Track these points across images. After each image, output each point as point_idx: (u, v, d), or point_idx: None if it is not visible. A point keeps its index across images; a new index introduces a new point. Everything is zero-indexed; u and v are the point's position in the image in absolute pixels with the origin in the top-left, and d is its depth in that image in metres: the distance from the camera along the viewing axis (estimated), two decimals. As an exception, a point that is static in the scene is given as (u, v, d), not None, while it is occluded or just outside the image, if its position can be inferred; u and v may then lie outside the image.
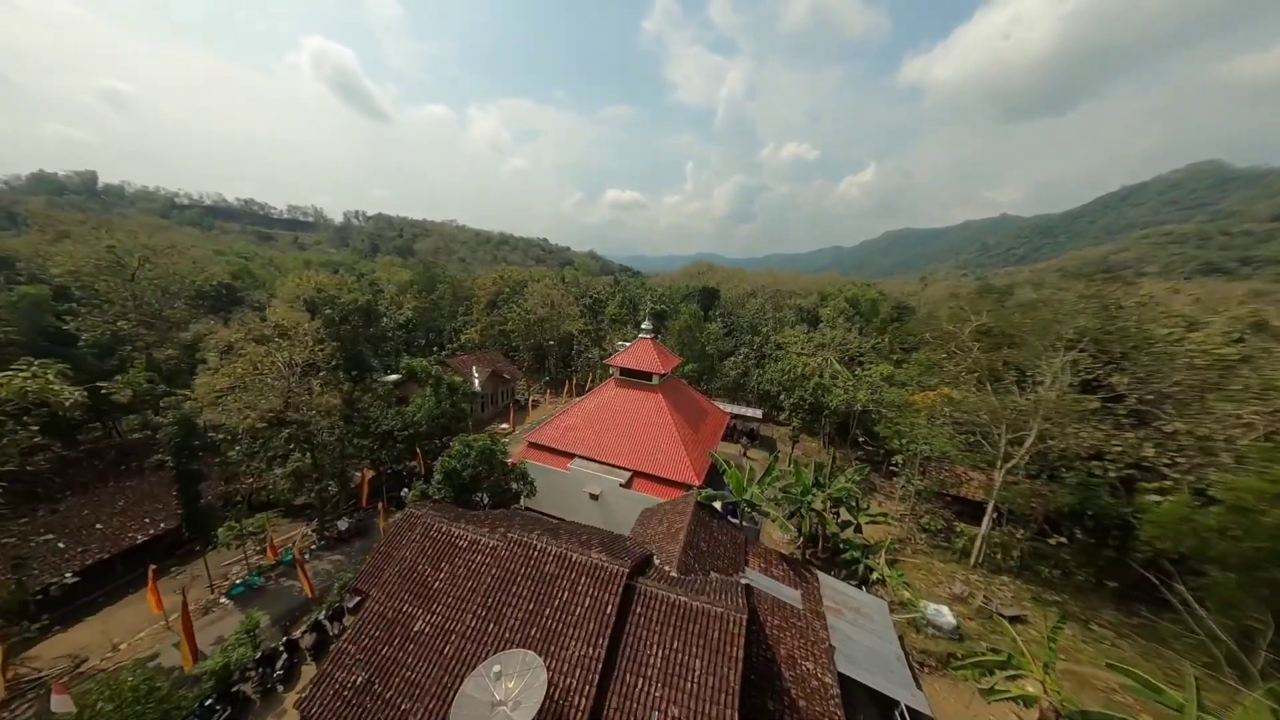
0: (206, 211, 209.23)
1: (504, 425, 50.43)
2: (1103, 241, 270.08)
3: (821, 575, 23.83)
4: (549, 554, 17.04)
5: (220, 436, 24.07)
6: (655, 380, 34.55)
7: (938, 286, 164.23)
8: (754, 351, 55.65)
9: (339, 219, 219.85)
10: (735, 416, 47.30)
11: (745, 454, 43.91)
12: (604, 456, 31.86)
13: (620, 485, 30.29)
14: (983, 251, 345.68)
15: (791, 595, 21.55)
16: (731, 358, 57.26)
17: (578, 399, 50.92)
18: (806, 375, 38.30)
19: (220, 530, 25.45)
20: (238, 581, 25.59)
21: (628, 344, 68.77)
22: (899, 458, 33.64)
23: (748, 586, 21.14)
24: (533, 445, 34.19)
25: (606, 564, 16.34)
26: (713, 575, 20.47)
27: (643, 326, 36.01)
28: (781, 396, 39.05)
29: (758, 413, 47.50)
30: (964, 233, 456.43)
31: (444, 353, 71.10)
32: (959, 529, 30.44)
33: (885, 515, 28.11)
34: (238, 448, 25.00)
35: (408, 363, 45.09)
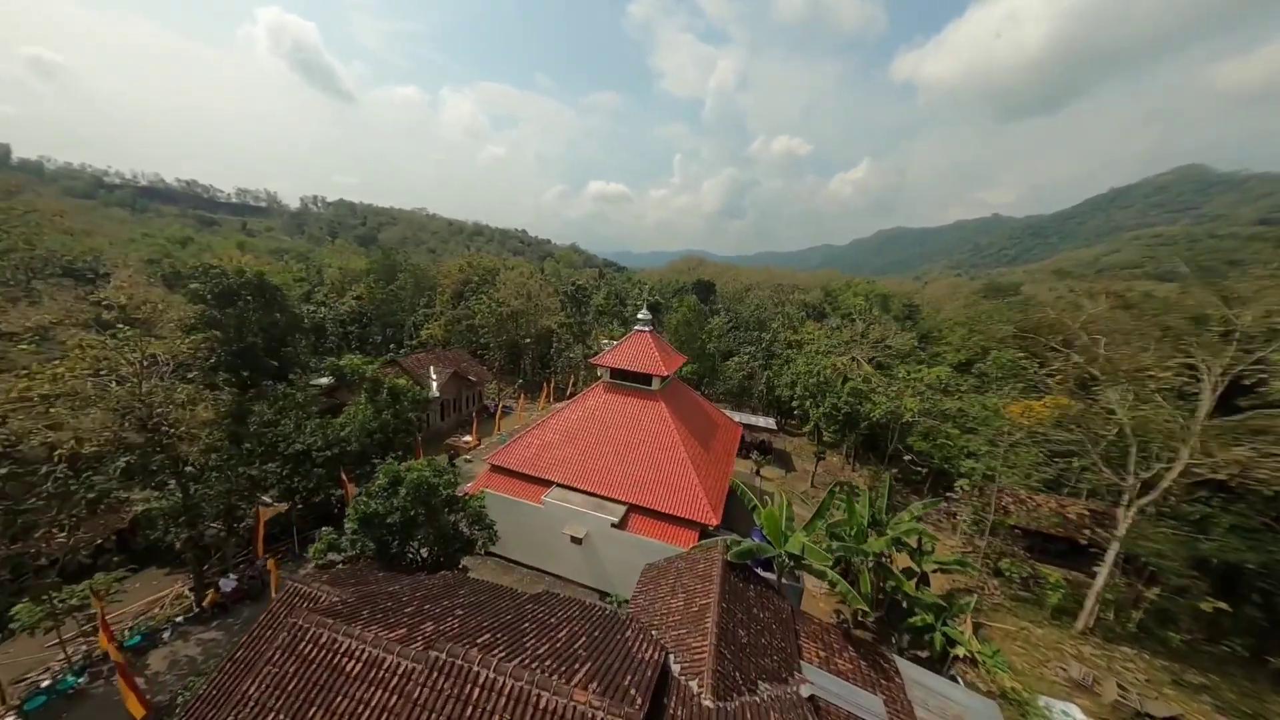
0: (141, 192, 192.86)
1: (467, 438, 42.86)
2: (1094, 243, 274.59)
3: (902, 664, 17.37)
4: (500, 691, 9.98)
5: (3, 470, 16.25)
6: (656, 385, 27.77)
7: (937, 285, 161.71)
8: (761, 350, 49.41)
9: (295, 204, 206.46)
10: (745, 427, 40.92)
11: (758, 472, 37.44)
12: (590, 485, 24.83)
13: (612, 525, 23.31)
14: (975, 251, 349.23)
15: (872, 706, 15.05)
16: (734, 358, 51.00)
17: (557, 406, 44.16)
18: (836, 379, 31.99)
19: (20, 609, 17.54)
20: (43, 684, 17.71)
21: (615, 341, 62.09)
22: (962, 483, 27.57)
23: (813, 701, 14.39)
24: (496, 469, 26.94)
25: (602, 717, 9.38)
26: (761, 689, 13.75)
27: (640, 316, 29.18)
28: (807, 404, 32.72)
29: (770, 422, 41.19)
30: (957, 232, 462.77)
31: (401, 350, 62.97)
32: (1048, 577, 24.41)
33: (962, 561, 21.80)
34: (47, 486, 17.20)
35: (332, 361, 37.13)
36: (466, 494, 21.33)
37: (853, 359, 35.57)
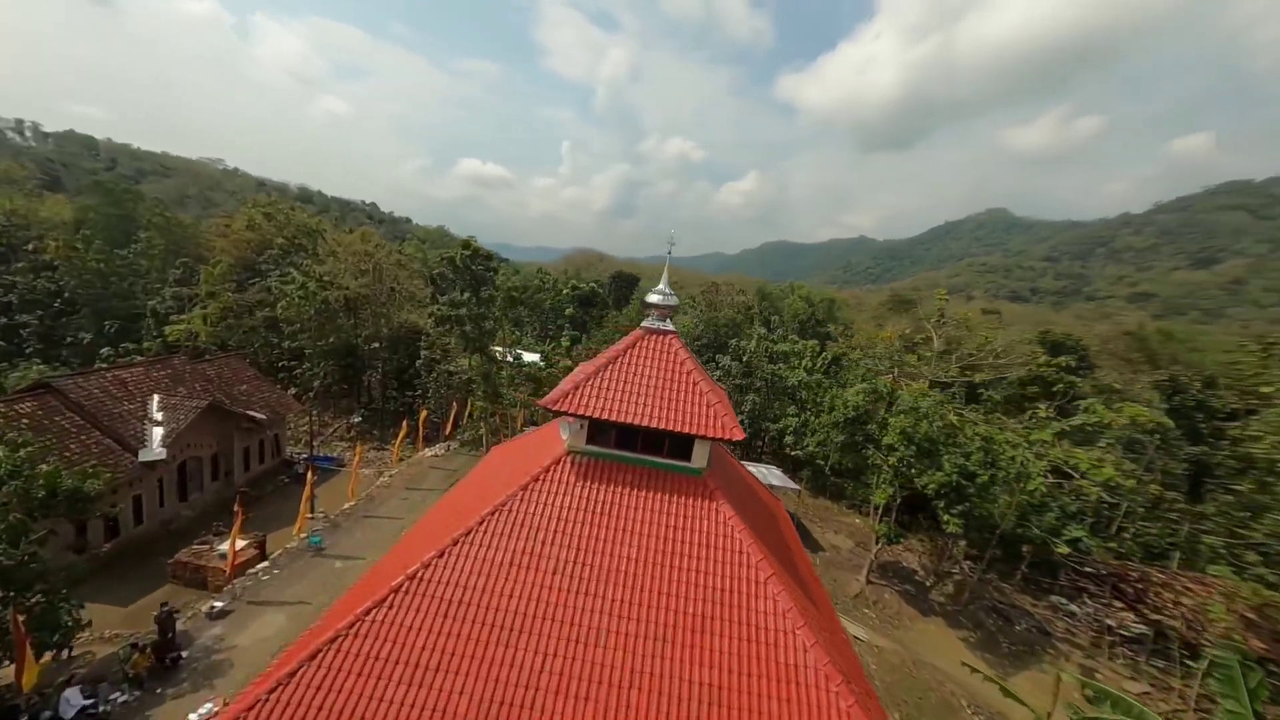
0: None
1: (223, 547, 21.67)
2: (938, 268, 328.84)
3: None
4: None
5: None
6: (701, 459, 12.46)
7: (838, 295, 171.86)
8: (742, 365, 36.92)
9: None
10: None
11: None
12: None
13: None
14: (846, 269, 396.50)
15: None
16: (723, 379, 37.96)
17: (431, 455, 27.35)
18: (964, 426, 19.70)
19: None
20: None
21: (534, 355, 44.11)
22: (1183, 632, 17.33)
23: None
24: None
25: None
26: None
27: (650, 300, 13.56)
28: (886, 464, 20.19)
29: (789, 482, 28.33)
30: (830, 250, 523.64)
31: (117, 357, 37.41)
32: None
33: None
34: None
35: None
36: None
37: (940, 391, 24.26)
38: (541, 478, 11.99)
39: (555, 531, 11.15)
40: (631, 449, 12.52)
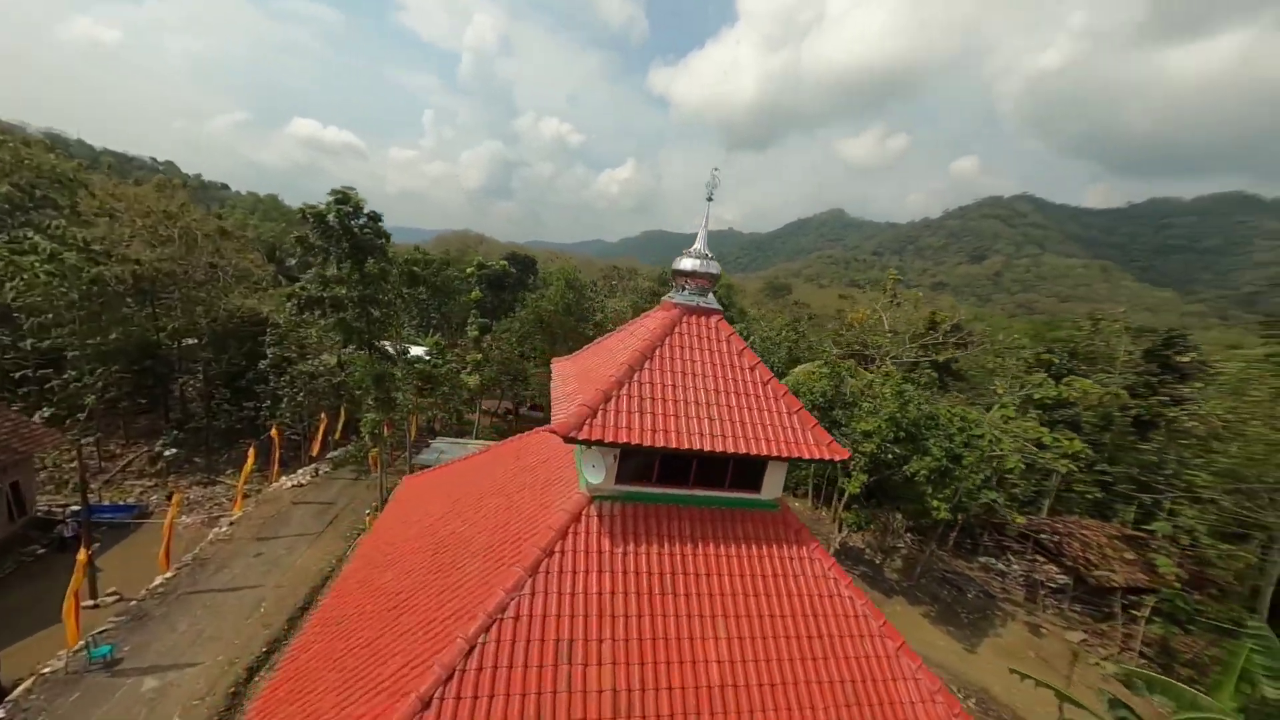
0: None
1: None
2: (794, 259, 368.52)
3: None
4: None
5: None
6: (770, 496, 8.91)
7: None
8: None
9: None
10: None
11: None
12: None
13: None
14: (719, 258, 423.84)
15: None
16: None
17: (280, 490, 21.06)
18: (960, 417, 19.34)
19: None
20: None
21: (420, 348, 36.07)
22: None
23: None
24: None
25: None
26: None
27: (684, 267, 9.60)
28: (860, 451, 19.14)
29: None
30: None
31: None
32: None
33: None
34: None
35: None
36: None
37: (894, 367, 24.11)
38: (558, 548, 7.44)
39: (594, 640, 6.81)
40: (682, 484, 8.58)
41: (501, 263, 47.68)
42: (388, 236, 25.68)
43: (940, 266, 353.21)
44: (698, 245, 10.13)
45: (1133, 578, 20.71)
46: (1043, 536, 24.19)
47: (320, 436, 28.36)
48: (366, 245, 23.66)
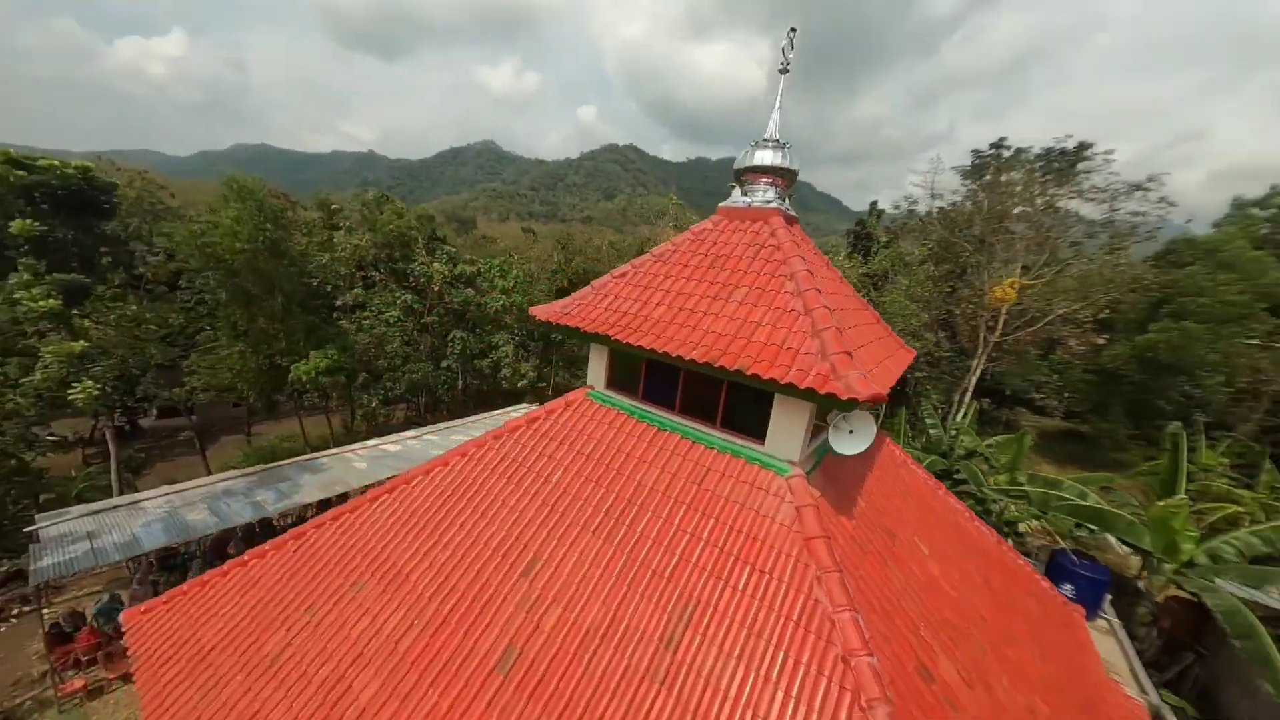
0: None
1: None
2: (457, 191, 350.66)
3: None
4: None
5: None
6: (782, 453, 5.87)
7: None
8: (433, 297, 33.42)
9: None
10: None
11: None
12: None
13: None
14: (366, 184, 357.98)
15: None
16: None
17: None
18: None
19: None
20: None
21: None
22: None
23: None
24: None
25: None
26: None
27: (758, 162, 6.44)
28: None
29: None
30: (338, 163, 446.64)
31: None
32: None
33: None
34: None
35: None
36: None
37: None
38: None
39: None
40: (668, 405, 5.77)
41: (80, 165, 19.28)
42: None
43: (585, 202, 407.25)
44: (772, 129, 6.35)
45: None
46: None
47: None
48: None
